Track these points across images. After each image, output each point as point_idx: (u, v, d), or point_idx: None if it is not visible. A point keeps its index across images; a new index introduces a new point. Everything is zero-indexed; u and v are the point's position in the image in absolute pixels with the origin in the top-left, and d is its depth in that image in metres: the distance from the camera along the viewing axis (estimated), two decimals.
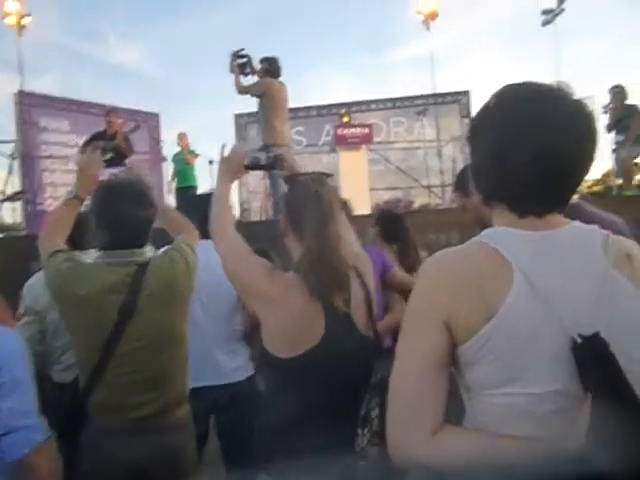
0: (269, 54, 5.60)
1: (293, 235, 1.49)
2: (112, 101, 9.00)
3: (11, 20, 12.87)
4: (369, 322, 1.49)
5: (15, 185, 8.61)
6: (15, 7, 12.15)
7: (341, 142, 7.69)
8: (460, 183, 2.06)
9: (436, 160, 11.25)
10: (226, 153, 1.64)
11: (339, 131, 7.86)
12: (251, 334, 2.30)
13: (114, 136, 6.62)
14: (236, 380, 2.24)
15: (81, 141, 7.99)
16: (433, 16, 12.23)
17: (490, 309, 0.86)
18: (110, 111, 7.00)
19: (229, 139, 10.01)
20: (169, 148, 8.99)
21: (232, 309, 2.27)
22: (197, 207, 2.08)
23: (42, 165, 8.60)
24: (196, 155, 8.24)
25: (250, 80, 5.57)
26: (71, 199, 1.79)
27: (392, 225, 3.02)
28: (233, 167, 1.62)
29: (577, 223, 0.94)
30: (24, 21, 12.93)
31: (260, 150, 1.71)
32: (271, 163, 1.69)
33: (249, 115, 10.62)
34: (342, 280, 1.42)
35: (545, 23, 12.03)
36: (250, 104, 5.83)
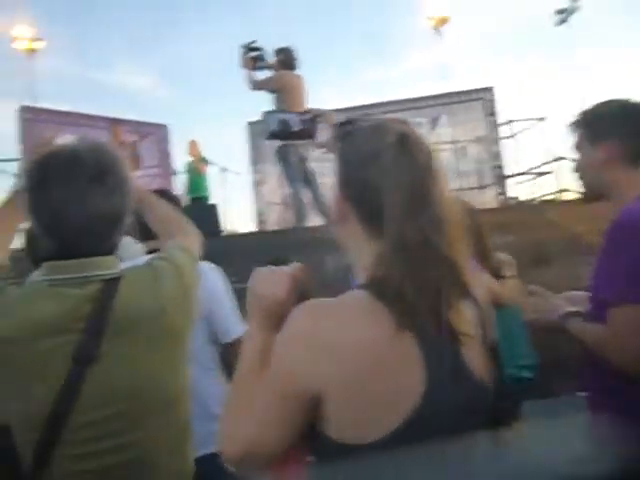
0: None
1: (359, 220, 0.86)
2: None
3: (22, 44, 12.70)
4: (486, 361, 0.87)
5: None
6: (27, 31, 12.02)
7: None
8: (593, 120, 1.44)
9: (461, 162, 10.67)
10: (253, 283, 0.90)
11: None
12: None
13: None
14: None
15: None
16: (444, 22, 12.07)
17: None
18: (114, 121, 6.64)
19: (242, 149, 9.43)
20: (180, 163, 8.67)
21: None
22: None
23: None
24: (207, 162, 7.65)
25: (265, 75, 5.02)
26: None
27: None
28: (268, 305, 0.88)
29: None
30: (35, 45, 12.78)
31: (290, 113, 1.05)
32: (307, 129, 1.07)
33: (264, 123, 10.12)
34: (459, 292, 0.80)
35: (560, 22, 11.67)
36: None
